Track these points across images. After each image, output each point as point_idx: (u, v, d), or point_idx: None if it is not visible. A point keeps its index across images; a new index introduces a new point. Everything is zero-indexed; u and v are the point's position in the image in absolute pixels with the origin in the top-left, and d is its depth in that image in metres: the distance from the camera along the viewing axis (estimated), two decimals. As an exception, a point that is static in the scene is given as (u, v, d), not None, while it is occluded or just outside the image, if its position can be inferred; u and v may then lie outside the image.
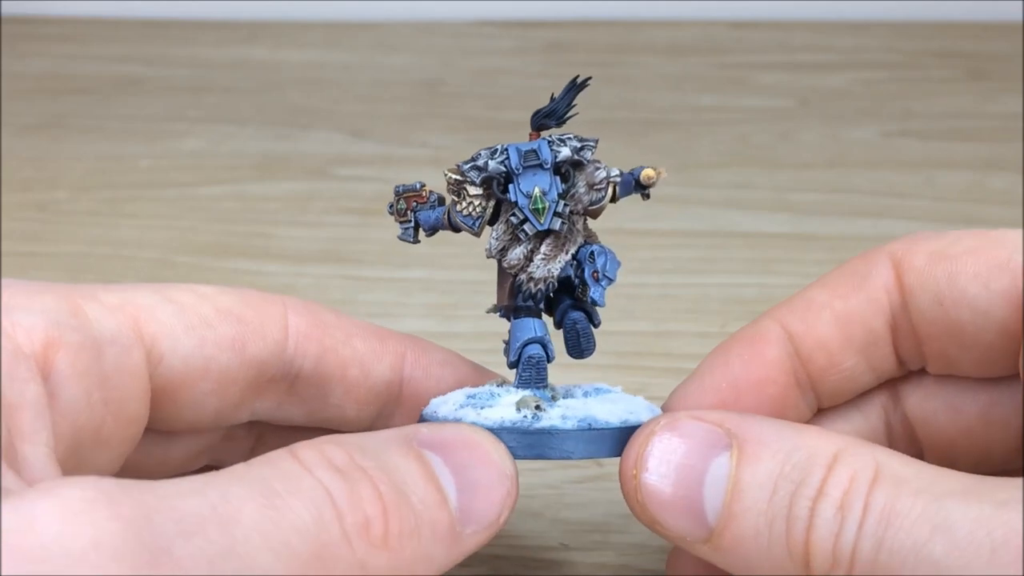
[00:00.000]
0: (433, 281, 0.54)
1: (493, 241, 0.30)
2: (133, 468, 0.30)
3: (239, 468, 0.24)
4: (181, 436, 0.31)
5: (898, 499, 0.24)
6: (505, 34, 0.83)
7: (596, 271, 0.30)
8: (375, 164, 0.65)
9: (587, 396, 0.31)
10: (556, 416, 0.29)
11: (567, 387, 0.31)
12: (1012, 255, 0.29)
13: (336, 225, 0.59)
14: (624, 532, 0.38)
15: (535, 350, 0.30)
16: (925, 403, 0.32)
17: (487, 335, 0.49)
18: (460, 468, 0.26)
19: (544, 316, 0.31)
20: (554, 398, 0.30)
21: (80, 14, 0.87)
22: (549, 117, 0.30)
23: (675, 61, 0.79)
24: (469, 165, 0.30)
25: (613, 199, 0.30)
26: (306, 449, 0.25)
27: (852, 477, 0.25)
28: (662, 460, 0.27)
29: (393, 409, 0.32)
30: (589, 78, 0.30)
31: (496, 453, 0.27)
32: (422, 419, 0.30)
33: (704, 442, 0.27)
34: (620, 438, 0.29)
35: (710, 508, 0.26)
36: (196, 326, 0.29)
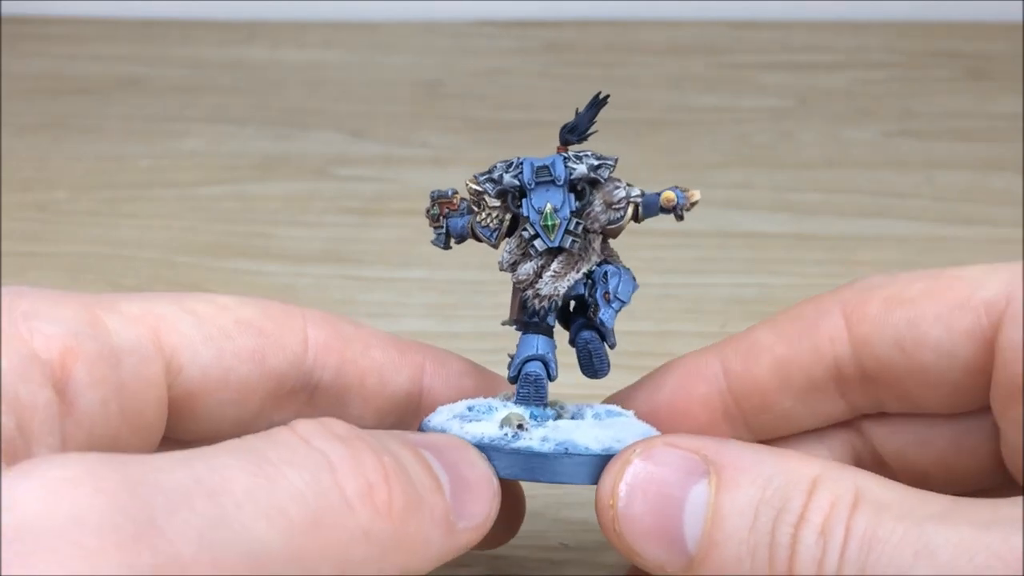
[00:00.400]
0: (433, 281, 0.54)
1: (506, 254, 0.30)
2: None
3: (231, 441, 0.23)
4: (196, 445, 0.31)
5: (879, 524, 0.24)
6: (505, 34, 0.83)
7: (608, 292, 0.30)
8: (375, 164, 0.65)
9: (595, 418, 0.30)
10: (536, 437, 0.29)
11: (579, 406, 0.31)
12: (973, 293, 0.29)
13: (336, 225, 0.59)
14: (624, 532, 0.38)
15: (533, 368, 0.30)
16: (892, 438, 0.32)
17: (487, 335, 0.49)
18: (451, 466, 0.27)
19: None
20: (559, 416, 0.30)
21: (80, 14, 0.87)
22: (572, 132, 0.30)
23: (675, 61, 0.79)
24: (485, 177, 0.30)
25: (636, 219, 0.30)
26: (305, 423, 0.24)
27: (833, 502, 0.25)
28: (639, 489, 0.27)
29: (412, 420, 0.32)
30: (608, 95, 0.30)
31: (481, 462, 0.28)
32: (420, 428, 0.31)
33: (681, 470, 0.27)
34: (599, 466, 0.28)
35: (690, 537, 0.26)
36: (215, 337, 0.29)
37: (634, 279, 0.30)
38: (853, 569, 0.24)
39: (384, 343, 0.32)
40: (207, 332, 0.29)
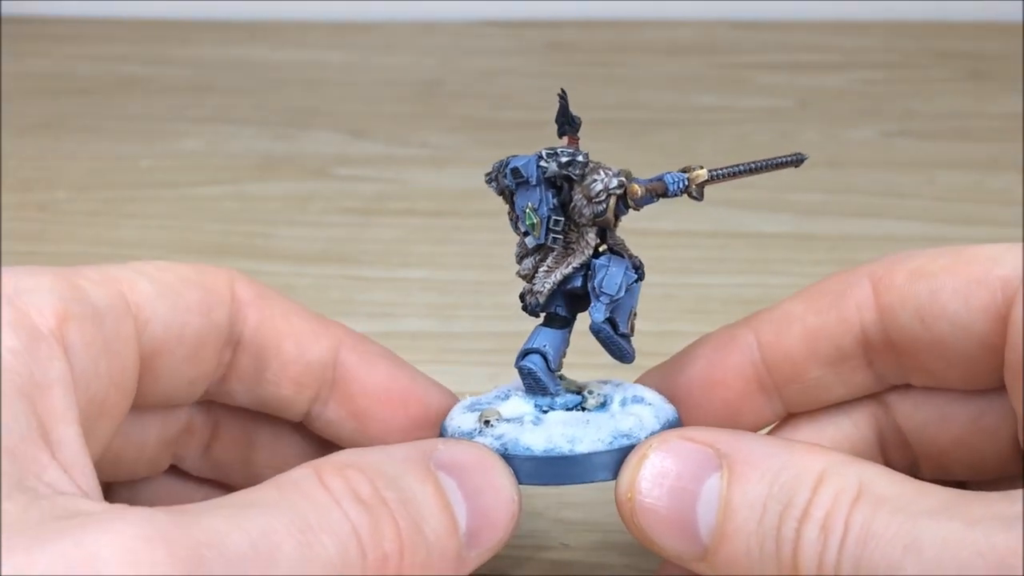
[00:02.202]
0: (433, 281, 0.54)
1: (517, 248, 0.31)
2: (113, 457, 0.30)
3: (270, 494, 0.24)
4: (154, 416, 0.32)
5: (875, 519, 0.25)
6: (505, 34, 0.83)
7: (594, 287, 0.30)
8: (375, 164, 0.65)
9: (621, 405, 0.31)
10: (491, 436, 0.30)
11: (612, 391, 0.31)
12: (991, 269, 0.29)
13: (336, 225, 0.59)
14: (624, 532, 0.38)
15: (525, 362, 0.31)
16: (915, 413, 0.32)
17: (487, 335, 0.50)
18: (472, 494, 0.27)
19: None
20: (584, 402, 0.31)
21: (80, 14, 0.87)
22: (563, 127, 0.30)
23: (675, 61, 0.79)
24: (488, 177, 0.31)
25: (635, 208, 0.30)
26: (332, 477, 0.25)
27: (835, 497, 0.25)
28: (655, 482, 0.28)
29: (328, 394, 0.32)
30: (562, 90, 0.30)
31: (506, 478, 0.28)
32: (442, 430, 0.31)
33: (695, 463, 0.27)
34: (539, 468, 0.29)
35: (703, 528, 0.27)
36: (168, 293, 0.29)
37: (630, 270, 0.30)
38: (850, 563, 0.25)
39: (305, 312, 0.33)
40: (159, 289, 0.29)
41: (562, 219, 0.30)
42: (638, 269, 0.31)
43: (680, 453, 0.28)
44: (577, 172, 0.29)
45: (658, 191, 0.30)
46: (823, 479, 0.26)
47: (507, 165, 0.30)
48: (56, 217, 0.59)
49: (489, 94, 0.74)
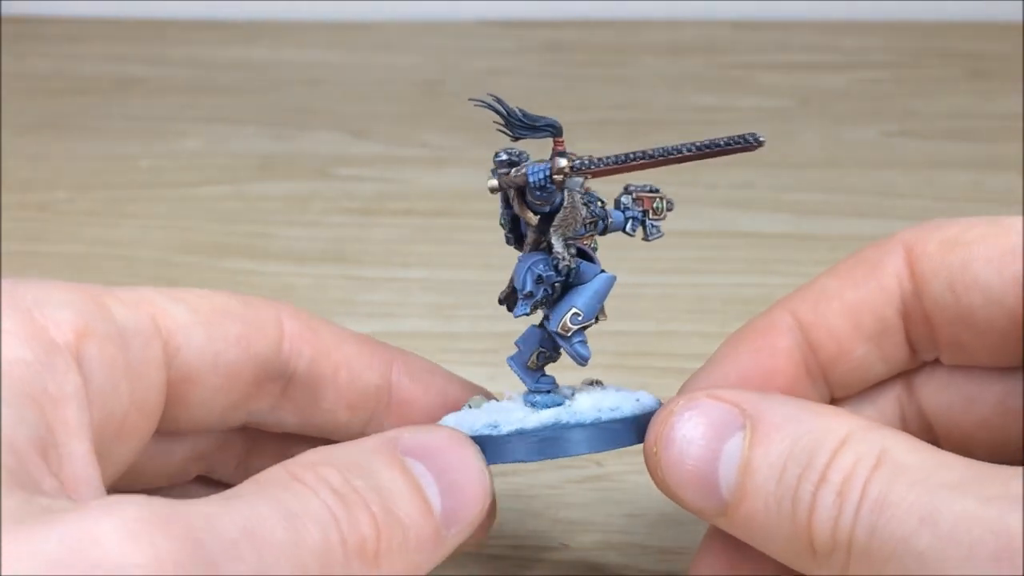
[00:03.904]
0: (433, 281, 0.54)
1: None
2: (133, 472, 0.30)
3: (249, 488, 0.25)
4: (183, 438, 0.32)
5: (892, 488, 0.25)
6: (505, 34, 0.83)
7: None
8: (375, 164, 0.65)
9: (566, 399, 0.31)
10: (452, 419, 0.31)
11: (605, 390, 0.31)
12: (1019, 242, 0.29)
13: (336, 225, 0.59)
14: (624, 532, 0.38)
15: (509, 357, 0.31)
16: (940, 395, 0.32)
17: (487, 335, 0.50)
18: (442, 473, 0.28)
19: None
20: (573, 397, 0.31)
21: (80, 14, 0.87)
22: (522, 132, 0.30)
23: (675, 61, 0.79)
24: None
25: (539, 203, 0.29)
26: (304, 472, 0.26)
27: (855, 463, 0.26)
28: (681, 438, 0.28)
29: (383, 415, 0.33)
30: (481, 99, 0.29)
31: (471, 450, 0.29)
32: None
33: (720, 421, 0.28)
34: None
35: (724, 485, 0.27)
36: (205, 322, 0.30)
37: (540, 264, 0.30)
38: (865, 530, 0.25)
39: (354, 338, 0.33)
40: (197, 317, 0.29)
41: (510, 217, 0.30)
42: (557, 267, 0.30)
43: (707, 411, 0.28)
44: (500, 172, 0.30)
45: (518, 182, 0.29)
46: (845, 443, 0.26)
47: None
48: (56, 217, 0.59)
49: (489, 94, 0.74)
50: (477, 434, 0.30)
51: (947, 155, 0.65)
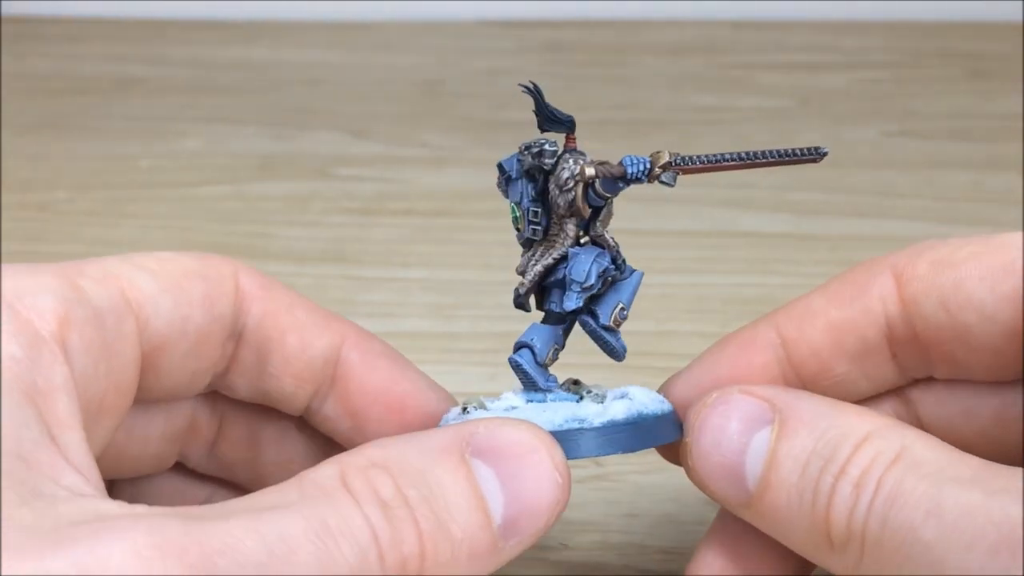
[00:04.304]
0: (433, 281, 0.54)
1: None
2: (114, 458, 0.30)
3: (291, 496, 0.24)
4: (157, 411, 0.32)
5: (905, 480, 0.25)
6: (505, 34, 0.83)
7: (567, 275, 0.30)
8: (375, 164, 0.65)
9: (593, 399, 0.31)
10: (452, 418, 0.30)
11: (608, 392, 0.31)
12: (1016, 258, 0.29)
13: (336, 225, 0.59)
14: (624, 532, 0.38)
15: (515, 355, 0.31)
16: (937, 408, 0.32)
17: (487, 335, 0.50)
18: (510, 479, 0.27)
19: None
20: (580, 399, 0.30)
21: (80, 14, 0.87)
22: (544, 122, 0.30)
23: (675, 61, 0.79)
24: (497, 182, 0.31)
25: (602, 194, 0.30)
26: (355, 477, 0.25)
27: (874, 457, 0.26)
28: (713, 430, 0.29)
29: (327, 390, 0.32)
30: (532, 83, 0.30)
31: (550, 458, 0.27)
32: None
33: (750, 415, 0.29)
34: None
35: (750, 476, 0.28)
36: (170, 288, 0.29)
37: (602, 257, 0.30)
38: (877, 521, 0.26)
39: (309, 306, 0.32)
40: (162, 284, 0.29)
41: (539, 210, 0.30)
42: (615, 260, 0.30)
43: (739, 404, 0.29)
44: (548, 161, 0.30)
45: (615, 173, 0.29)
46: (867, 440, 0.27)
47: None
48: (56, 217, 0.59)
49: (489, 94, 0.74)
50: (559, 429, 0.29)
51: (947, 155, 0.65)
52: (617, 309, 0.31)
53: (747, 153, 0.30)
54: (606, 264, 0.30)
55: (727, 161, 0.30)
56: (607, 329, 0.31)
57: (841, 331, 0.31)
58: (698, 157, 0.30)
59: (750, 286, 0.53)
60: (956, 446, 0.32)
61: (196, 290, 0.30)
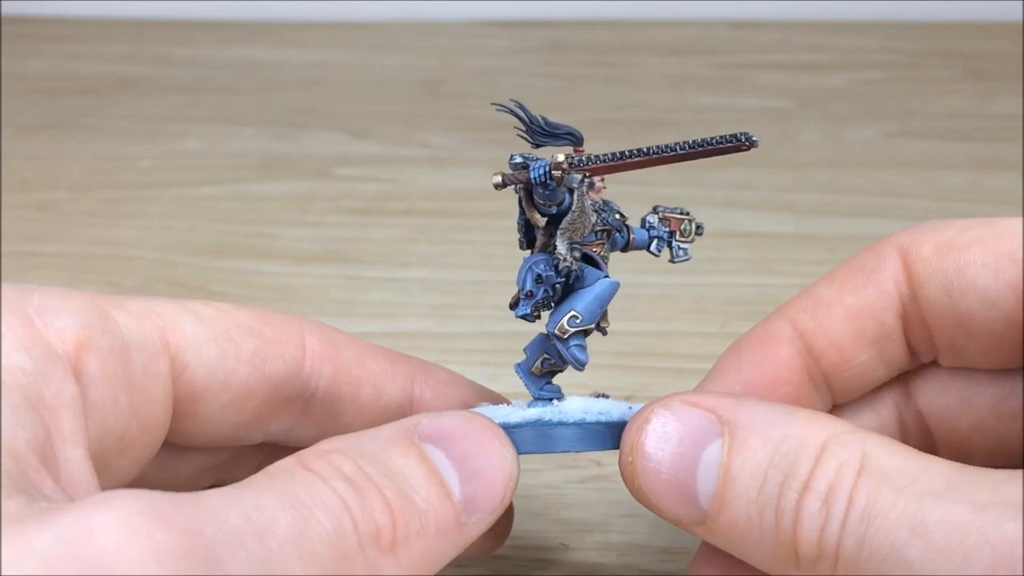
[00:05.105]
0: (433, 281, 0.54)
1: None
2: (141, 481, 0.30)
3: (259, 479, 0.24)
4: (193, 452, 0.32)
5: (879, 496, 0.24)
6: (505, 34, 0.83)
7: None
8: (375, 164, 0.65)
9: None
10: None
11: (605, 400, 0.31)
12: (1020, 245, 0.29)
13: (336, 225, 0.59)
14: (624, 532, 0.38)
15: (516, 364, 0.31)
16: (937, 397, 0.32)
17: (487, 335, 0.50)
18: (462, 458, 0.27)
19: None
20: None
21: (80, 14, 0.87)
22: (536, 138, 0.30)
23: (675, 61, 0.79)
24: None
25: (546, 204, 0.29)
26: (314, 460, 0.25)
27: (838, 470, 0.25)
28: (657, 446, 0.27)
29: None
30: (503, 104, 0.29)
31: (495, 436, 0.28)
32: None
33: (697, 428, 0.27)
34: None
35: (703, 494, 0.27)
36: (218, 338, 0.29)
37: (540, 265, 0.30)
38: (852, 540, 0.25)
39: (376, 353, 0.32)
40: (210, 332, 0.29)
41: (524, 220, 0.30)
42: (557, 267, 0.30)
43: (682, 418, 0.27)
44: (538, 176, 0.29)
45: (520, 179, 0.29)
46: (825, 450, 0.26)
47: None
48: (56, 217, 0.59)
49: (489, 94, 0.74)
50: (504, 422, 0.29)
51: (947, 155, 0.65)
52: (567, 317, 0.30)
53: (657, 147, 0.29)
54: (542, 271, 0.30)
55: (632, 157, 0.29)
56: (554, 337, 0.30)
57: (860, 317, 0.30)
58: (599, 156, 0.29)
59: (750, 286, 0.53)
60: (953, 439, 0.31)
61: (246, 345, 0.30)
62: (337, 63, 0.80)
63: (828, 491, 0.25)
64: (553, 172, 0.29)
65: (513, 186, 0.29)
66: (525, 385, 0.31)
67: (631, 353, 0.47)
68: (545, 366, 0.31)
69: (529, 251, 0.31)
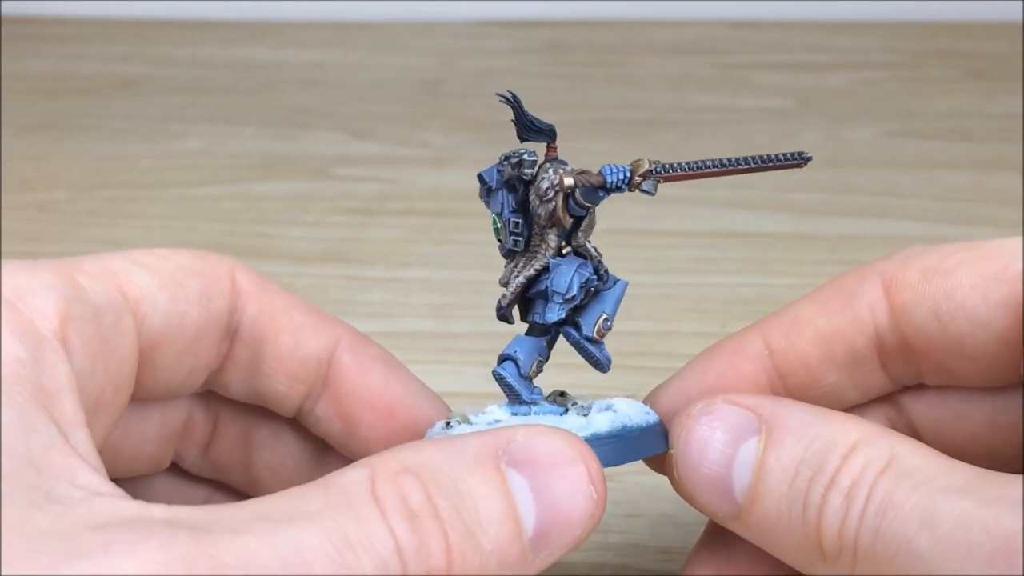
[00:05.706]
0: (433, 281, 0.54)
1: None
2: (114, 450, 0.30)
3: (315, 503, 0.23)
4: (153, 409, 0.32)
5: (897, 491, 0.25)
6: (505, 34, 0.83)
7: (548, 286, 0.30)
8: (375, 164, 0.65)
9: (578, 412, 0.30)
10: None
11: (592, 403, 0.31)
12: (1008, 264, 0.29)
13: (336, 225, 0.59)
14: (624, 532, 0.38)
15: (498, 367, 0.30)
16: (929, 412, 0.32)
17: (487, 335, 0.50)
18: (544, 489, 0.26)
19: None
20: (565, 412, 0.30)
21: (80, 14, 0.87)
22: (523, 132, 0.30)
23: (675, 61, 0.79)
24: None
25: (582, 203, 0.29)
26: (385, 484, 0.24)
27: (863, 467, 0.26)
28: (698, 441, 0.28)
29: (320, 391, 0.32)
30: (509, 93, 0.30)
31: (587, 470, 0.27)
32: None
33: (736, 426, 0.28)
34: None
35: (738, 488, 0.28)
36: (168, 284, 0.29)
37: (584, 268, 0.30)
38: (869, 532, 0.25)
39: (308, 311, 0.32)
40: (159, 280, 0.29)
41: (520, 220, 0.30)
42: (597, 270, 0.30)
43: (724, 415, 0.28)
44: (527, 172, 0.29)
45: (594, 183, 0.29)
46: (855, 448, 0.26)
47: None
48: (56, 217, 0.59)
49: (489, 94, 0.74)
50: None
51: (947, 155, 0.65)
52: (600, 320, 0.30)
53: (729, 160, 0.30)
54: (587, 275, 0.30)
55: (708, 168, 0.30)
56: (591, 341, 0.30)
57: (830, 341, 0.31)
58: (679, 164, 0.30)
59: (750, 286, 0.53)
60: (949, 451, 0.31)
61: (193, 287, 0.30)
62: (337, 63, 0.80)
63: (851, 485, 0.26)
64: (635, 179, 0.29)
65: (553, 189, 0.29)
66: (515, 390, 0.30)
67: (630, 353, 0.47)
68: (539, 368, 0.31)
69: (513, 252, 0.30)
